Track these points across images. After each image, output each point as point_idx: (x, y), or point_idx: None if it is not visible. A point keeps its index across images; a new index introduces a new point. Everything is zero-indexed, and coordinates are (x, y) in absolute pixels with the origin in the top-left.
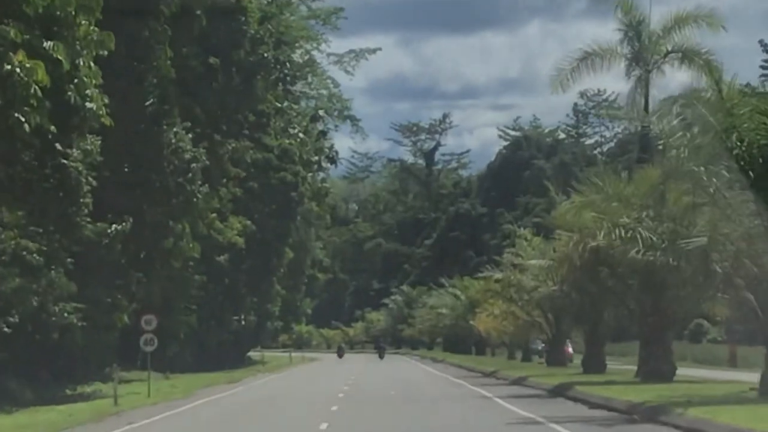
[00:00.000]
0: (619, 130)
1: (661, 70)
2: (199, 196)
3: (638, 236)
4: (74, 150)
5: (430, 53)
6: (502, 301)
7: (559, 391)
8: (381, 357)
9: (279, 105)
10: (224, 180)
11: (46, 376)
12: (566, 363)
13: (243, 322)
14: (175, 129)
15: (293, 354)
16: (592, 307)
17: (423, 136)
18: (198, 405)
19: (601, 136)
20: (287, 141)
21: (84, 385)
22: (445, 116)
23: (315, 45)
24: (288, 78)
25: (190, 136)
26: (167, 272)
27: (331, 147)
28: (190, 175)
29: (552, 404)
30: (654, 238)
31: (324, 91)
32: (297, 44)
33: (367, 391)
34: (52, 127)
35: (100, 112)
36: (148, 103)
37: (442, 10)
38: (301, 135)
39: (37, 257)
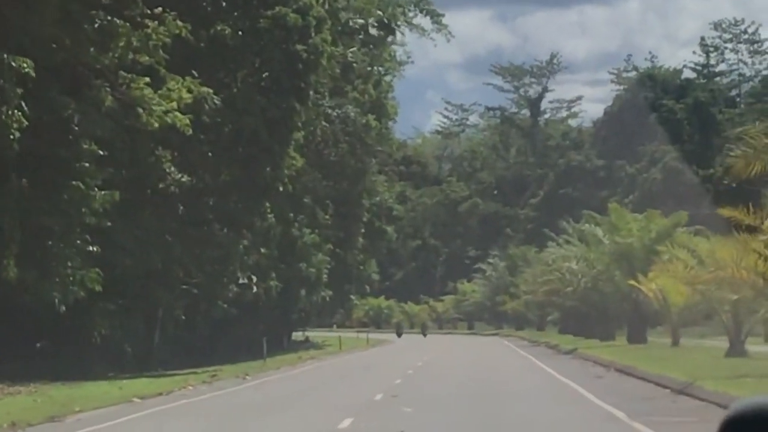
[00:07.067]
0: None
1: None
2: None
3: None
4: None
5: (527, 28)
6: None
7: None
8: (424, 335)
9: None
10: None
11: None
12: None
13: (254, 288)
14: None
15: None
16: None
17: (527, 80)
18: None
19: (740, 74)
20: None
21: None
22: (552, 57)
23: None
24: None
25: None
26: None
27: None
28: None
29: None
30: None
31: None
32: None
33: None
34: None
35: None
36: None
37: None
38: None
39: None
